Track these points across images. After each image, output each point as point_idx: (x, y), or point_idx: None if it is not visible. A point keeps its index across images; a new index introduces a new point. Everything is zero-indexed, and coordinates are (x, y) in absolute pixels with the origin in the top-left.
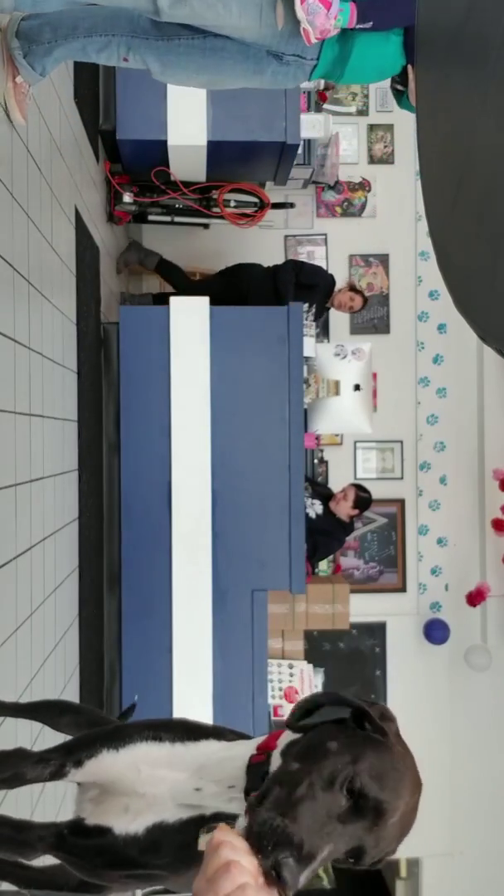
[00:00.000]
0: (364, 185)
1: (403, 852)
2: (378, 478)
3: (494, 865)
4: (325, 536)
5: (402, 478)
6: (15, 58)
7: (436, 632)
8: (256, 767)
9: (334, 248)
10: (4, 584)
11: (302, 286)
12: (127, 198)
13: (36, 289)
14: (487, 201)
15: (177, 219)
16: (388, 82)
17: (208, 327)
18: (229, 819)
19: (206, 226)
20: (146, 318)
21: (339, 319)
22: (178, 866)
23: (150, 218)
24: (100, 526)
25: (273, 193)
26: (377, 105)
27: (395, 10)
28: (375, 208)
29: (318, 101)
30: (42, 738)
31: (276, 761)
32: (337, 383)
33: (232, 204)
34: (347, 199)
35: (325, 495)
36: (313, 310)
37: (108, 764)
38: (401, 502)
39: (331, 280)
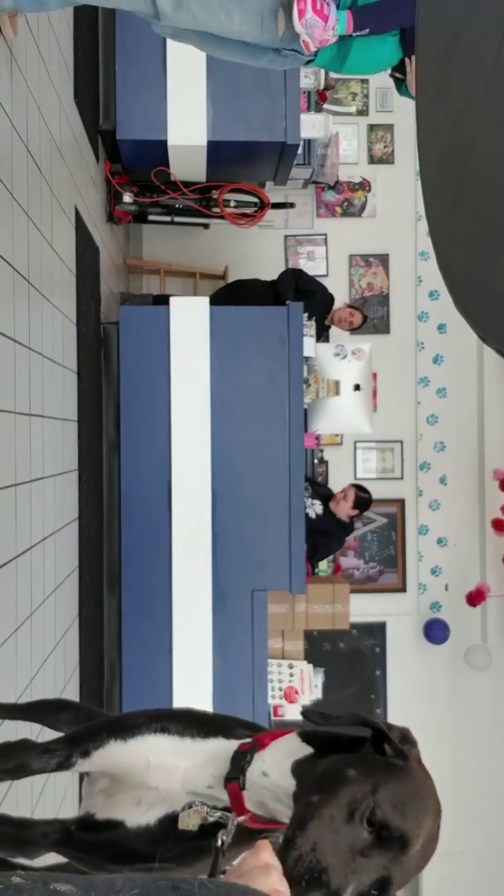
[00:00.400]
0: (364, 185)
1: None
2: (378, 478)
3: (494, 865)
4: (325, 536)
5: (402, 478)
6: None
7: (436, 632)
8: (241, 756)
9: (334, 248)
10: (4, 584)
11: (300, 291)
12: (127, 198)
13: (36, 289)
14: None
15: (177, 219)
16: (388, 81)
17: (208, 327)
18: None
19: (206, 226)
20: (146, 318)
21: None
22: (186, 858)
23: (150, 218)
24: (100, 526)
25: (273, 193)
26: (377, 105)
27: (391, 17)
28: (375, 208)
29: (318, 101)
30: (42, 737)
31: (259, 760)
32: (337, 383)
33: (232, 204)
34: (347, 199)
35: (325, 495)
36: (314, 324)
37: (116, 754)
38: (401, 502)
39: (329, 294)
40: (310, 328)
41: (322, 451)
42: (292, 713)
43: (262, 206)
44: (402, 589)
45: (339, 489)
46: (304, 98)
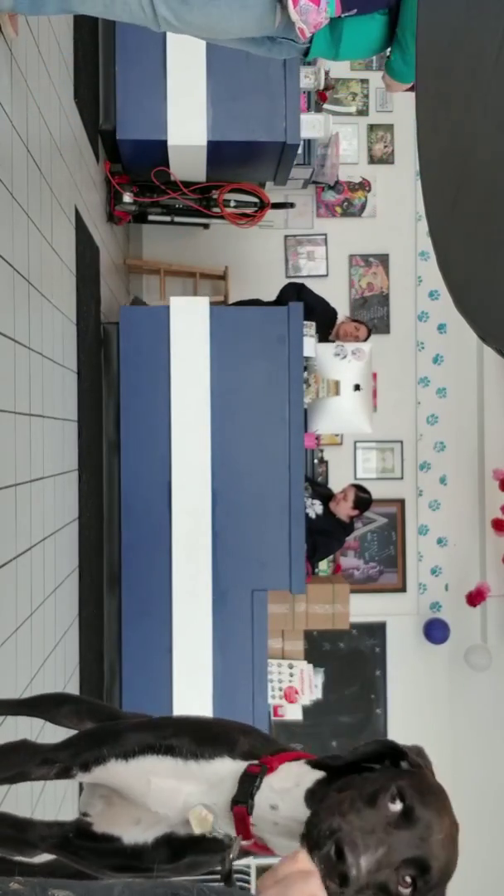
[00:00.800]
0: (364, 185)
1: None
2: (378, 478)
3: (494, 865)
4: (325, 536)
5: (402, 478)
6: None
7: (436, 632)
8: (249, 779)
9: (334, 248)
10: (4, 584)
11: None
12: (127, 198)
13: (36, 289)
14: (487, 202)
15: (177, 219)
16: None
17: (208, 327)
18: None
19: (206, 226)
20: (146, 318)
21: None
22: (182, 872)
23: (150, 218)
24: (100, 526)
25: (273, 193)
26: (377, 105)
27: None
28: (375, 208)
29: (318, 101)
30: (43, 736)
31: (267, 787)
32: (337, 383)
33: (232, 204)
34: (347, 199)
35: (325, 495)
36: (314, 324)
37: (116, 773)
38: (401, 502)
39: (332, 309)
40: (310, 328)
41: (322, 451)
42: (292, 713)
43: (262, 206)
44: (402, 589)
45: (339, 489)
46: (304, 98)
